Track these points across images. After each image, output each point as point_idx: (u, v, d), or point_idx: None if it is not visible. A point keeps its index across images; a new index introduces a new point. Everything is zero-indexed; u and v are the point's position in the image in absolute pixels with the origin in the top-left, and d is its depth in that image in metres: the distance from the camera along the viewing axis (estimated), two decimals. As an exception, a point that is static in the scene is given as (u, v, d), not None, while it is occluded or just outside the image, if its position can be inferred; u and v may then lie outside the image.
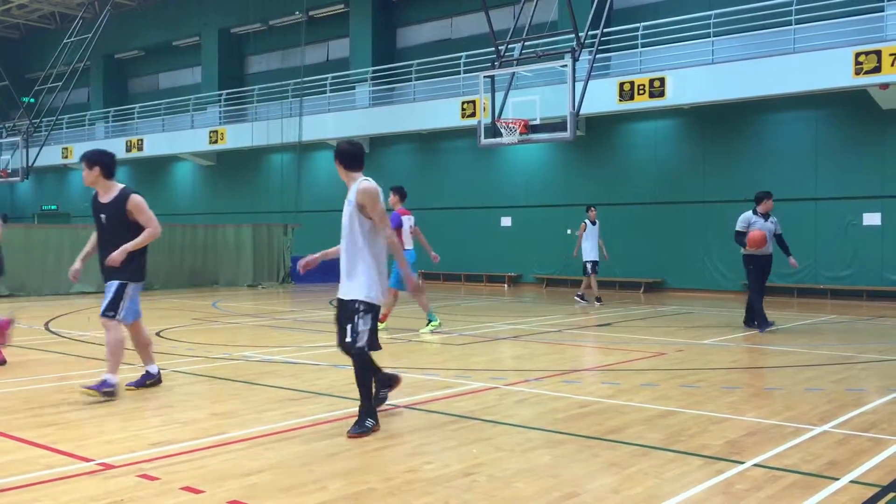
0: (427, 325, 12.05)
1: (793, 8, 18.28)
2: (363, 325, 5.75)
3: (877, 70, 16.65)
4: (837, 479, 4.63)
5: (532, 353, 10.07)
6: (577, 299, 17.13)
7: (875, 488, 4.48)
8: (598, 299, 17.00)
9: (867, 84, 17.15)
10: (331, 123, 26.29)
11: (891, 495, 4.37)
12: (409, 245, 12.57)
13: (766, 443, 5.47)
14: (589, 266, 16.97)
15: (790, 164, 19.52)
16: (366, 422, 5.70)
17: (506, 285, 23.90)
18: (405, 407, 6.59)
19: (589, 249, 17.02)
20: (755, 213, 12.32)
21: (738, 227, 12.28)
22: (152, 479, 4.62)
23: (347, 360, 9.03)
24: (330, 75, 27.49)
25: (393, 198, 12.51)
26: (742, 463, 4.96)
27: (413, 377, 8.04)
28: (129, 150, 32.45)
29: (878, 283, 18.46)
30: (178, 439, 5.53)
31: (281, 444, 5.39)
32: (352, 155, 6.16)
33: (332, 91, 27.48)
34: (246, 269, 22.74)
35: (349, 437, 5.53)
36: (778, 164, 19.74)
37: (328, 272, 26.61)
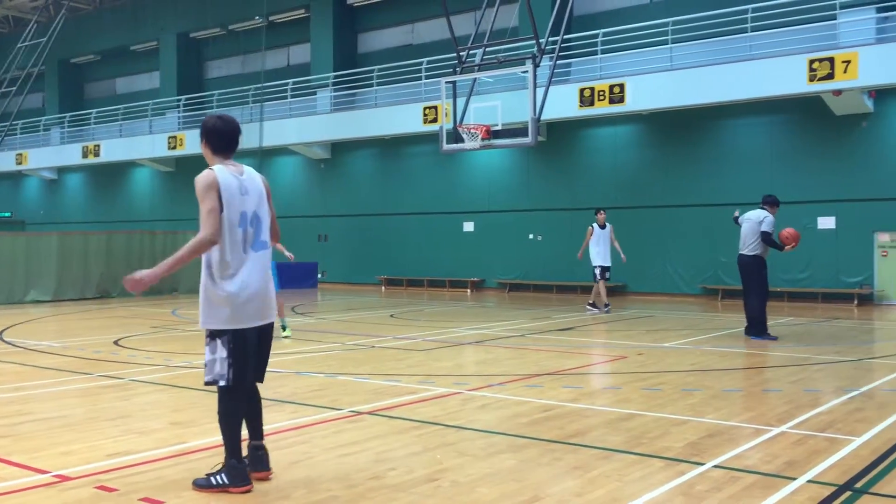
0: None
1: (748, 16, 18.61)
2: (209, 353, 4.57)
3: (830, 77, 17.02)
4: (795, 479, 4.70)
5: (495, 357, 10.09)
6: (588, 307, 16.54)
7: (832, 487, 4.56)
8: (607, 305, 16.33)
9: (821, 90, 17.52)
10: (292, 129, 26.14)
11: (847, 494, 4.45)
12: None
13: (725, 444, 5.54)
14: (598, 272, 16.26)
15: (747, 169, 19.85)
16: (217, 476, 4.55)
17: (469, 290, 23.94)
18: (368, 413, 6.55)
19: (598, 255, 16.27)
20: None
21: (768, 228, 11.48)
22: (110, 490, 4.54)
23: (311, 367, 8.99)
24: (291, 80, 27.34)
25: None
26: (702, 464, 5.02)
27: (376, 383, 8.01)
28: (85, 155, 31.92)
29: (834, 286, 18.83)
30: (137, 449, 5.43)
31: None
32: (220, 134, 4.72)
33: (293, 96, 27.33)
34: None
35: (193, 486, 4.59)
36: (735, 168, 20.07)
37: (292, 277, 26.23)
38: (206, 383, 4.62)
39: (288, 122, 26.30)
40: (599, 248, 16.28)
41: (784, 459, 5.14)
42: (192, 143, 28.32)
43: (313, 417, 6.39)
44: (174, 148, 29.13)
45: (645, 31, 20.19)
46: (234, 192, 4.58)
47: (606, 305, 16.35)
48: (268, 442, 4.91)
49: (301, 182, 28.34)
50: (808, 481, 4.67)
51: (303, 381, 8.12)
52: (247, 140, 26.08)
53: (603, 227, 16.42)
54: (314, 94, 27.08)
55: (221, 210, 4.50)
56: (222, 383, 4.54)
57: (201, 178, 4.55)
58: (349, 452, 5.35)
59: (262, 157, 26.79)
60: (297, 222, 27.58)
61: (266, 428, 5.97)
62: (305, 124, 25.97)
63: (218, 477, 4.54)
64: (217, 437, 5.69)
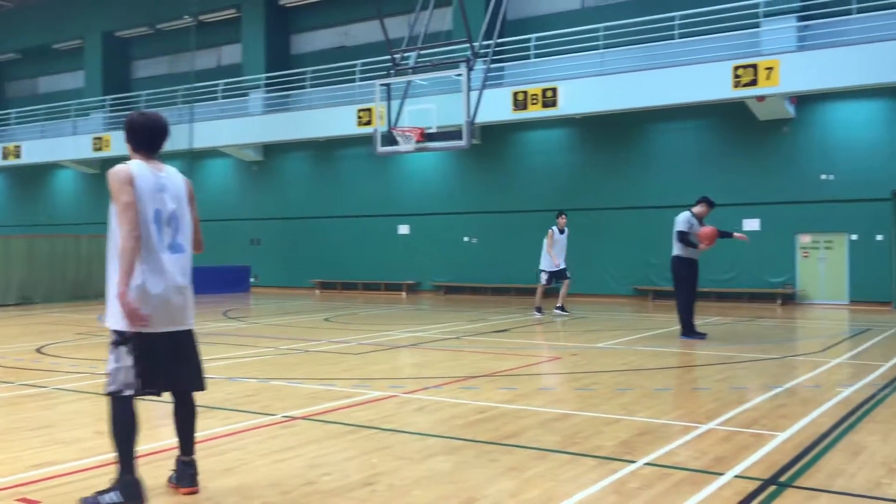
0: None
1: (676, 23, 19.06)
2: (113, 361, 4.26)
3: (753, 83, 17.56)
4: (723, 475, 4.82)
5: (431, 360, 10.09)
6: (558, 311, 16.15)
7: (757, 482, 4.69)
8: (538, 310, 16.17)
9: (745, 96, 18.06)
10: (224, 130, 25.71)
11: (772, 488, 4.58)
12: None
13: (656, 441, 5.65)
14: (544, 277, 15.97)
15: (676, 172, 20.33)
16: (109, 494, 4.22)
17: (404, 293, 23.91)
18: (302, 418, 6.48)
19: (550, 259, 15.93)
20: (693, 215, 11.94)
21: (681, 227, 11.72)
22: (33, 502, 4.38)
23: (244, 372, 8.85)
24: (222, 81, 26.90)
25: None
26: (634, 462, 5.10)
27: (310, 388, 7.92)
28: (5, 157, 30.84)
29: (758, 286, 19.42)
30: (61, 460, 5.25)
31: (172, 462, 5.19)
32: (141, 130, 4.40)
33: (224, 97, 26.89)
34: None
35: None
36: (664, 171, 20.54)
37: (222, 283, 25.76)
38: (109, 394, 4.24)
39: (219, 124, 25.86)
40: (555, 252, 15.94)
41: (712, 455, 5.27)
42: (118, 144, 27.59)
43: (246, 423, 6.29)
44: (99, 149, 28.36)
45: (577, 36, 20.50)
46: (150, 187, 4.29)
47: (538, 309, 16.20)
48: (199, 449, 4.81)
49: (233, 185, 27.90)
50: (736, 476, 4.79)
51: (235, 387, 7.98)
52: (176, 142, 25.74)
53: (562, 231, 16.08)
54: (246, 95, 26.70)
55: None
56: (127, 393, 4.22)
57: (114, 172, 4.24)
58: (283, 458, 5.28)
59: (193, 160, 26.30)
60: (229, 225, 27.14)
61: (197, 435, 5.82)
62: (237, 126, 25.58)
63: (110, 495, 4.18)
64: (147, 446, 5.54)
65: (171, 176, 4.43)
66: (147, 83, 30.88)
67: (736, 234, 12.58)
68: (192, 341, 4.53)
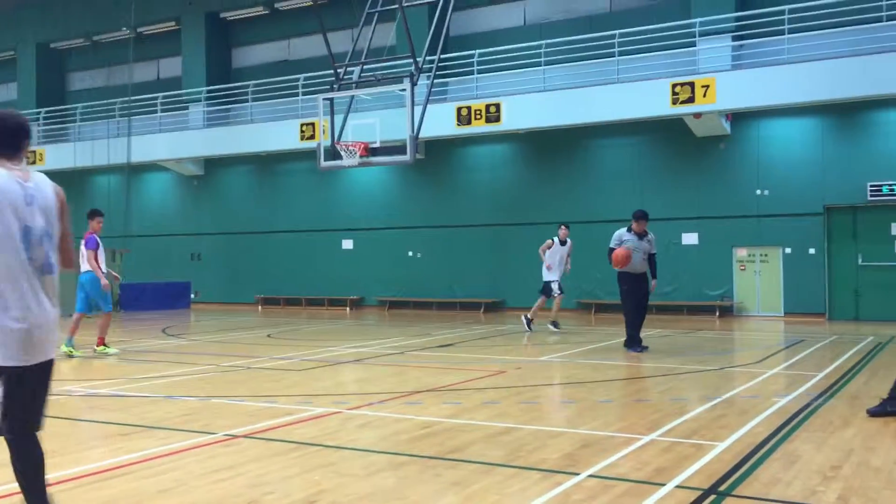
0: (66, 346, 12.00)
1: (616, 41, 19.42)
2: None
3: (691, 100, 17.97)
4: (664, 485, 4.88)
5: (375, 375, 10.02)
6: (551, 327, 15.49)
7: (698, 492, 4.76)
8: (529, 322, 15.60)
9: (682, 113, 18.47)
10: (162, 144, 25.27)
11: (711, 497, 4.66)
12: (104, 268, 12.58)
13: (599, 454, 5.69)
14: (555, 286, 15.24)
15: (617, 187, 20.65)
16: None
17: (348, 308, 23.75)
18: (244, 437, 6.36)
19: (552, 269, 15.32)
20: (629, 230, 12.10)
21: (611, 244, 12.04)
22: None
23: (184, 391, 8.66)
24: (161, 94, 26.45)
25: (98, 222, 12.62)
26: (578, 474, 5.13)
27: (252, 405, 7.79)
28: (-67, 170, 29.70)
29: (697, 299, 19.80)
30: (-10, 485, 5.05)
31: (108, 483, 5.05)
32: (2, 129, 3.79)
33: (163, 111, 26.43)
34: (70, 296, 21.35)
35: None
36: (605, 186, 20.85)
37: (162, 299, 25.27)
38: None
39: (158, 138, 25.41)
40: (554, 263, 15.32)
41: (654, 466, 5.33)
42: (53, 157, 26.91)
43: (185, 443, 6.15)
44: (33, 163, 27.46)
45: (519, 52, 20.73)
46: (16, 201, 3.66)
47: (529, 321, 15.61)
48: (137, 469, 4.67)
49: (173, 199, 27.41)
50: (677, 486, 4.85)
51: (174, 406, 7.80)
52: (114, 155, 25.22)
53: (564, 242, 15.43)
54: (186, 108, 26.30)
55: None
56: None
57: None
58: (224, 478, 5.17)
59: (131, 173, 25.78)
60: (169, 241, 26.64)
61: (134, 455, 5.67)
62: (177, 140, 25.16)
63: None
64: (81, 468, 5.37)
65: (40, 185, 3.80)
66: (83, 96, 30.16)
67: (654, 281, 12.32)
68: (51, 372, 3.89)
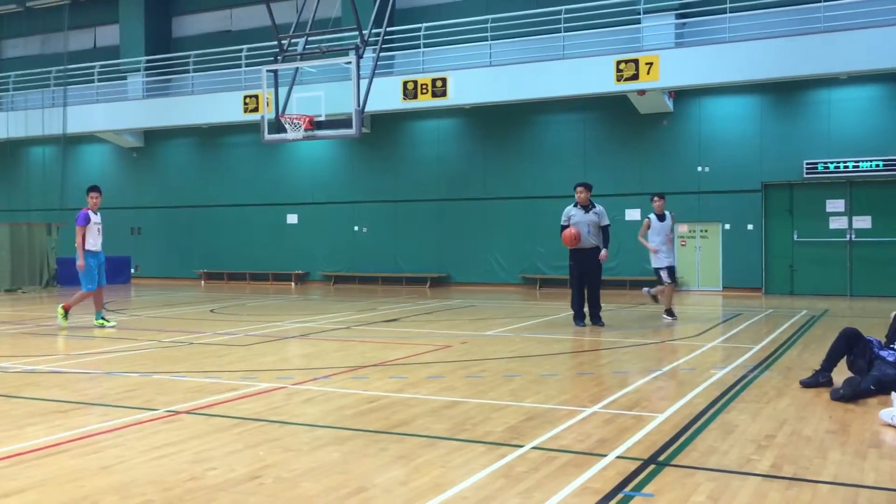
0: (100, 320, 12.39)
1: (562, 17, 19.47)
2: None
3: (635, 77, 18.15)
4: (606, 456, 4.98)
5: (320, 350, 9.99)
6: (665, 316, 13.01)
7: (638, 461, 4.87)
8: (669, 312, 13.04)
9: (627, 90, 18.66)
10: (100, 114, 24.58)
11: (651, 467, 4.77)
12: (96, 246, 12.52)
13: (543, 426, 5.78)
14: (664, 274, 12.86)
15: (561, 163, 20.81)
16: None
17: (293, 283, 23.57)
18: (186, 413, 6.29)
19: (659, 252, 12.84)
20: (575, 205, 12.09)
21: (562, 221, 12.04)
22: None
23: (124, 367, 8.51)
24: (98, 63, 25.67)
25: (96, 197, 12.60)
26: (522, 447, 5.20)
27: (195, 381, 7.70)
28: None
29: (640, 274, 20.14)
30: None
31: (46, 461, 4.95)
32: None
33: (100, 80, 25.67)
34: (3, 271, 20.80)
35: None
36: (551, 162, 21.00)
37: (106, 273, 24.98)
38: None
39: (95, 108, 24.70)
40: (659, 243, 12.83)
41: (596, 438, 5.44)
42: (-15, 127, 25.96)
43: (126, 419, 6.05)
44: (-36, 133, 26.57)
45: (466, 27, 20.64)
46: None
47: (670, 312, 13.06)
48: (77, 447, 4.59)
49: (111, 171, 26.73)
50: (617, 457, 4.96)
51: (114, 382, 7.66)
52: (49, 126, 24.44)
53: (662, 217, 12.92)
54: (125, 78, 25.59)
55: None
56: None
57: None
58: (165, 454, 5.10)
59: (67, 144, 25.06)
60: (107, 214, 25.78)
61: (73, 432, 5.57)
62: (115, 110, 24.49)
63: None
64: (17, 445, 5.26)
65: None
66: (16, 64, 29.09)
67: (604, 251, 12.06)
68: None
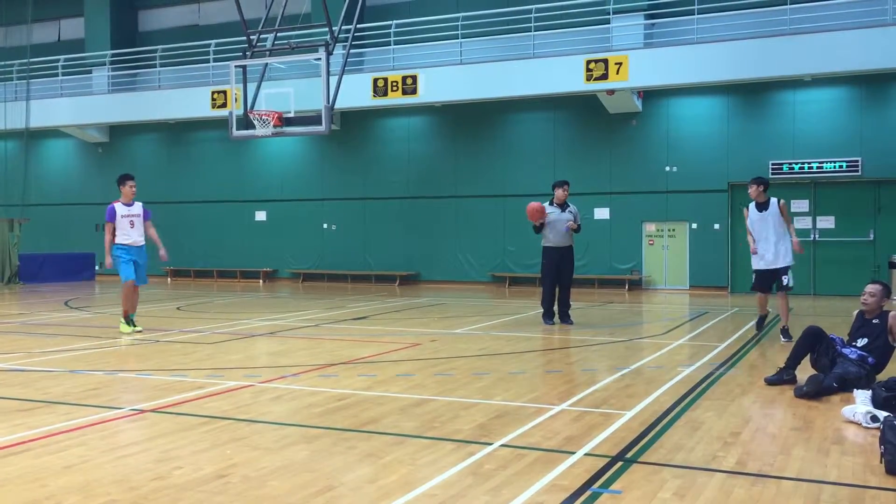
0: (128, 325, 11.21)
1: (532, 16, 19.53)
2: None
3: (604, 77, 18.26)
4: (574, 453, 5.00)
5: (289, 348, 9.92)
6: (782, 337, 10.20)
7: (606, 458, 4.90)
8: (761, 320, 10.76)
9: (596, 89, 18.76)
10: (64, 109, 24.18)
11: (619, 464, 4.80)
12: (129, 239, 11.58)
13: (511, 424, 5.79)
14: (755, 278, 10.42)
15: (531, 162, 20.89)
16: None
17: (261, 281, 23.40)
18: (151, 411, 6.21)
19: (759, 250, 10.20)
20: (551, 203, 12.12)
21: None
22: None
23: (88, 365, 8.38)
24: (62, 57, 25.25)
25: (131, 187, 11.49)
26: (490, 444, 5.21)
27: (161, 379, 7.60)
28: None
29: (608, 272, 20.29)
30: None
31: (8, 461, 4.85)
32: None
33: (64, 74, 25.26)
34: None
35: None
36: (521, 161, 21.06)
37: (64, 271, 24.31)
38: None
39: (59, 102, 24.30)
40: (758, 237, 10.20)
41: (564, 435, 5.46)
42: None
43: (90, 418, 5.96)
44: (-77, 126, 25.98)
45: (436, 24, 20.62)
46: None
47: (761, 320, 10.74)
48: (39, 446, 4.51)
49: (76, 167, 26.34)
50: (586, 454, 4.98)
51: (78, 380, 7.55)
52: (11, 120, 23.97)
53: (763, 206, 10.13)
54: (90, 72, 25.20)
55: None
56: None
57: None
58: (130, 453, 5.03)
59: (29, 139, 24.61)
60: (72, 210, 25.61)
61: (36, 431, 5.49)
62: (79, 105, 24.11)
63: None
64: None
65: None
66: (-23, 56, 28.54)
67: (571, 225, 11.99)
68: None
